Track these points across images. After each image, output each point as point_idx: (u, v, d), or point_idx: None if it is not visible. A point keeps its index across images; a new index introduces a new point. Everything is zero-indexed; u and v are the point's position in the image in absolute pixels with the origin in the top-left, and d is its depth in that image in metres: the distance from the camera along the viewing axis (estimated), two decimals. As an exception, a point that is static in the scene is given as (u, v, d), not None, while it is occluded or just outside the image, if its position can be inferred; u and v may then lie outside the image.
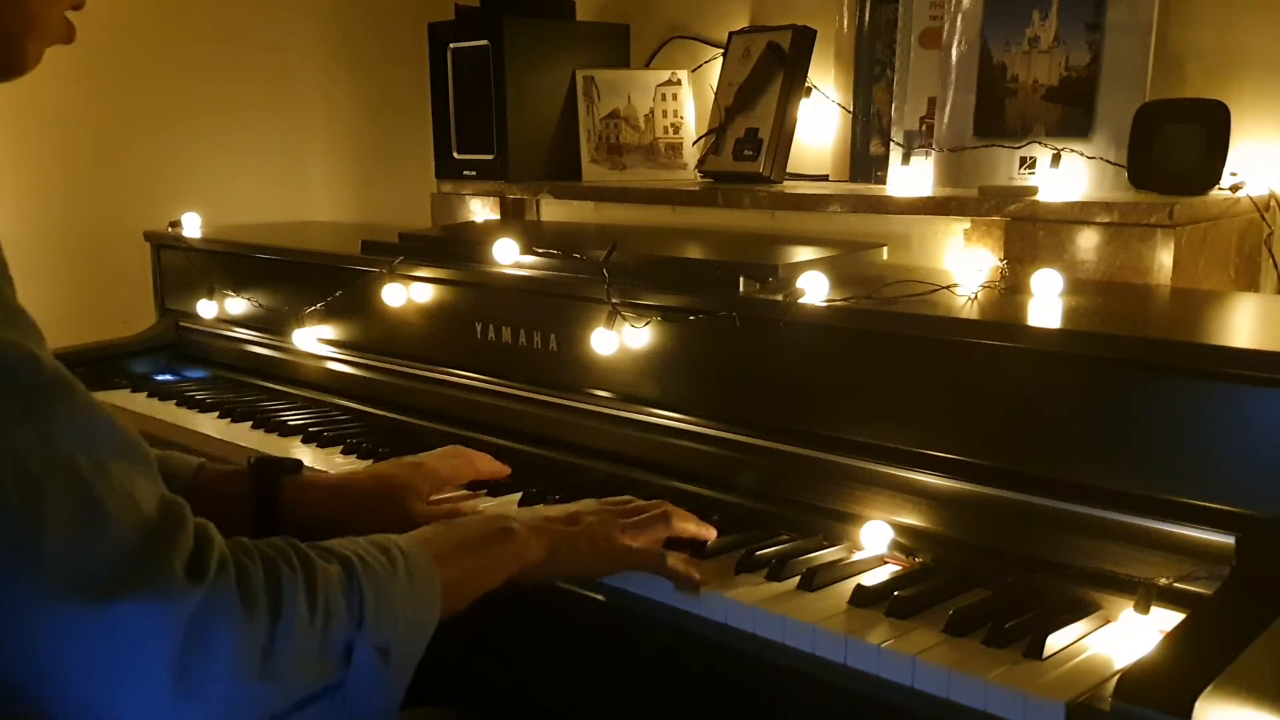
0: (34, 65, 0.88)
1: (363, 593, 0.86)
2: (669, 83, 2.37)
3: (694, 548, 1.19)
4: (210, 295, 2.10)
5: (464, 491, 1.37)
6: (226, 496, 1.20)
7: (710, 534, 1.20)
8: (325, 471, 1.39)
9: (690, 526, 1.19)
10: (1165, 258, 1.49)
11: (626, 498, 1.21)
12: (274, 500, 1.21)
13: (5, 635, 0.73)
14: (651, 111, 2.36)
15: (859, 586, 1.07)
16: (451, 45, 2.37)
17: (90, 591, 0.72)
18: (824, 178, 2.21)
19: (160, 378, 2.12)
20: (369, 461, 1.53)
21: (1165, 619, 0.97)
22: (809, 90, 2.13)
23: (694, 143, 2.32)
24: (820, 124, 2.22)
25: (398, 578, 0.90)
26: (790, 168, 2.12)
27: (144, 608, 0.74)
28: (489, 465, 1.38)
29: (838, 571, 1.12)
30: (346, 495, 1.25)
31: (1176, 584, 1.01)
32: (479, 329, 1.64)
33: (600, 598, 1.16)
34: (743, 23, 2.34)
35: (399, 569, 0.90)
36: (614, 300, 1.41)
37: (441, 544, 0.99)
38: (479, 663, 1.36)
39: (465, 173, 2.39)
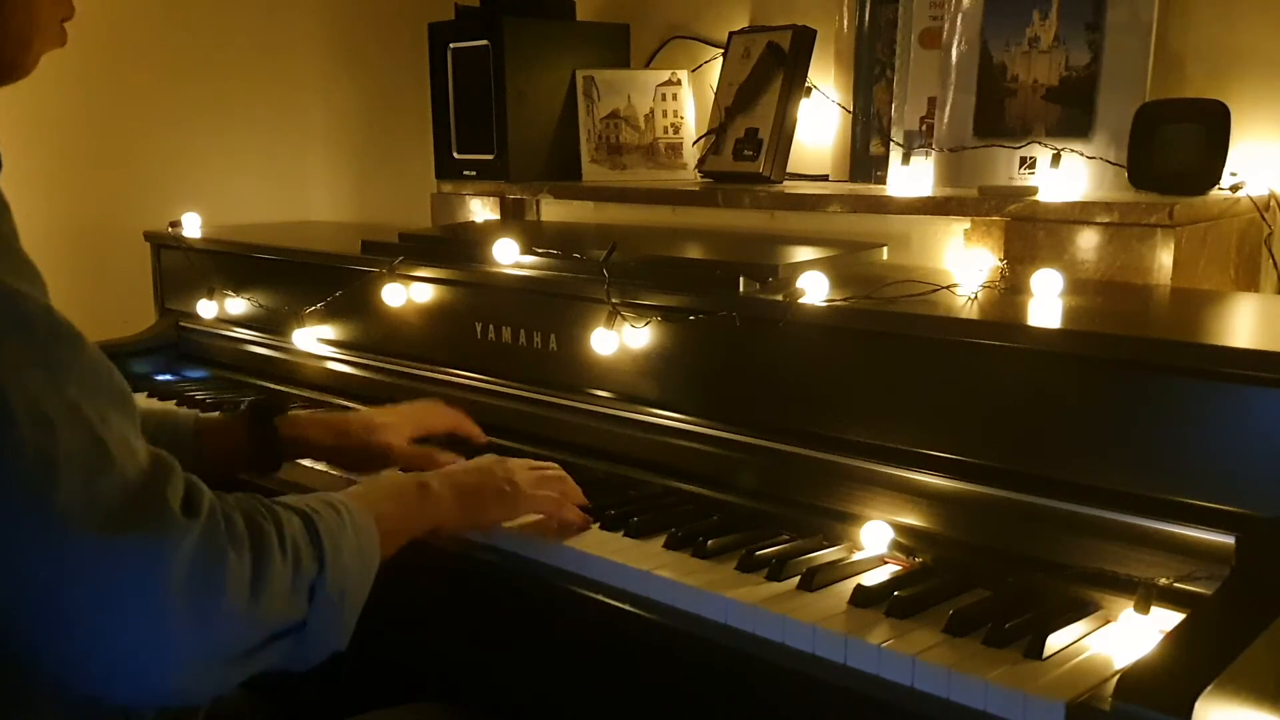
0: (33, 69, 0.94)
1: (321, 542, 0.93)
2: (669, 83, 2.37)
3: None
4: (210, 295, 2.10)
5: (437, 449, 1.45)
6: (229, 439, 1.37)
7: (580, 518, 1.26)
8: (308, 413, 1.50)
9: (579, 495, 1.28)
10: (1165, 258, 1.49)
11: (525, 460, 1.30)
12: (272, 438, 1.37)
13: (13, 571, 0.77)
14: (651, 111, 2.36)
15: (859, 586, 1.07)
16: (451, 45, 2.37)
17: (101, 524, 0.78)
18: (824, 178, 2.21)
19: (160, 378, 2.12)
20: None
21: (1165, 619, 0.97)
22: (809, 90, 2.13)
23: (694, 143, 2.32)
24: (820, 124, 2.22)
25: (346, 530, 0.98)
26: (790, 168, 2.12)
27: (150, 540, 0.79)
28: (468, 425, 1.51)
29: (838, 571, 1.12)
30: (334, 427, 1.40)
31: (1176, 584, 1.01)
32: (479, 329, 1.64)
33: (599, 597, 1.16)
34: (743, 23, 2.34)
35: (346, 523, 0.98)
36: (614, 300, 1.41)
37: (371, 500, 1.08)
38: (475, 659, 1.36)
39: (465, 173, 2.39)
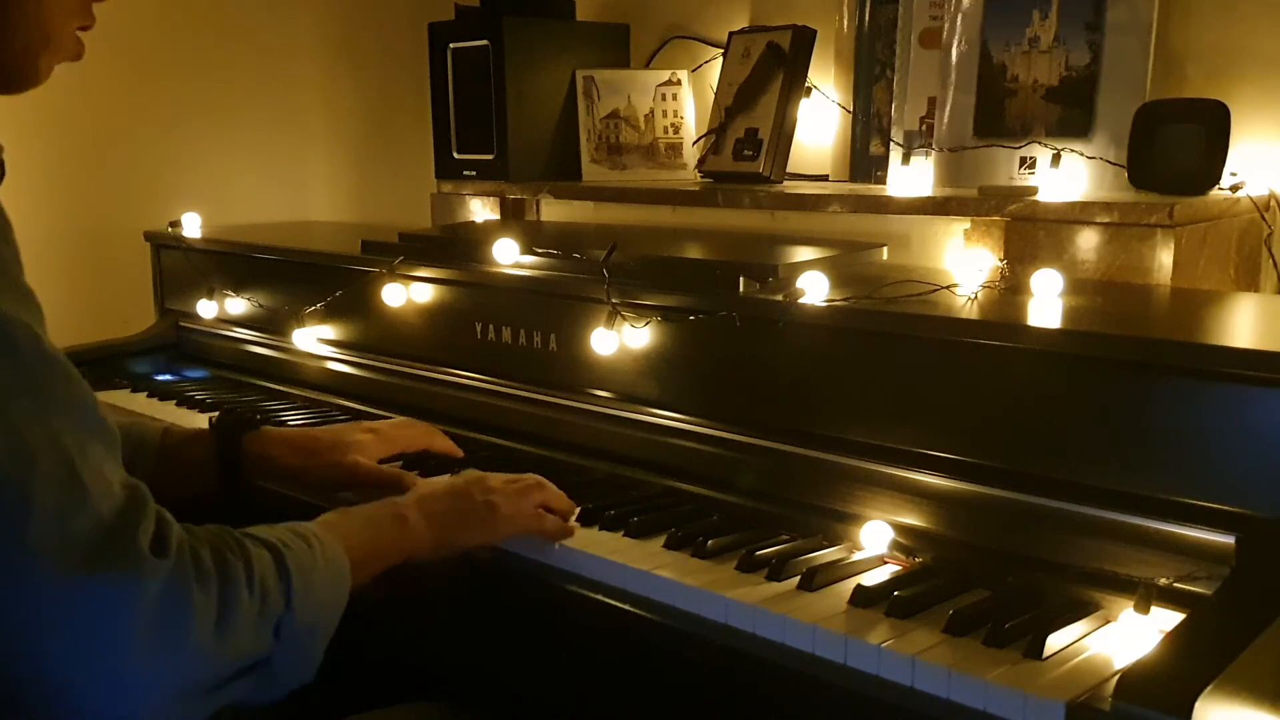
0: (44, 79, 0.93)
1: (290, 577, 0.93)
2: (669, 83, 2.37)
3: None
4: (210, 295, 2.10)
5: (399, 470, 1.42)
6: (193, 458, 1.33)
7: (572, 530, 1.25)
8: (283, 426, 1.48)
9: (561, 503, 1.26)
10: (1165, 258, 1.49)
11: (502, 475, 1.27)
12: (237, 457, 1.33)
13: None
14: (651, 111, 2.36)
15: (859, 586, 1.07)
16: (451, 45, 2.37)
17: (70, 563, 0.78)
18: (824, 178, 2.21)
19: (160, 378, 2.12)
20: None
21: (1165, 619, 0.97)
22: (809, 90, 2.13)
23: (694, 143, 2.32)
24: (820, 124, 2.22)
25: (317, 563, 0.98)
26: (790, 168, 2.12)
27: (116, 580, 0.80)
28: (443, 442, 1.49)
29: (838, 571, 1.12)
30: (302, 446, 1.37)
31: (1176, 584, 1.01)
32: (479, 329, 1.64)
33: (598, 596, 1.16)
34: (743, 23, 2.34)
35: (317, 555, 0.98)
36: (614, 300, 1.41)
37: (344, 529, 1.07)
38: (473, 659, 1.36)
39: (465, 173, 2.39)
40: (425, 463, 1.46)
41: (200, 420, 1.79)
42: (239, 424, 1.36)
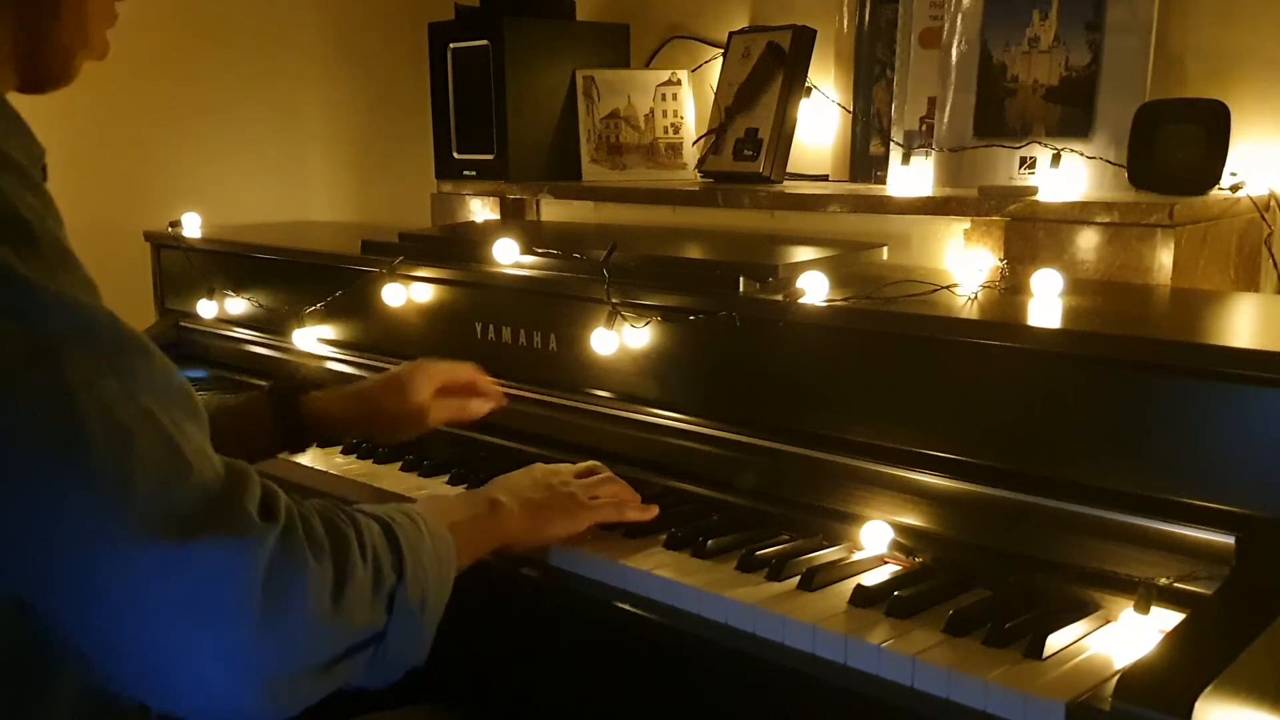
0: (75, 78, 0.93)
1: (401, 549, 0.92)
2: (669, 83, 2.37)
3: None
4: (210, 295, 2.10)
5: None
6: (253, 421, 1.34)
7: (653, 512, 1.26)
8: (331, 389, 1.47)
9: (632, 503, 1.28)
10: (1165, 258, 1.49)
11: (570, 465, 1.30)
12: (297, 419, 1.35)
13: (83, 585, 0.75)
14: (651, 111, 2.36)
15: (859, 586, 1.07)
16: (451, 45, 2.37)
17: (178, 531, 0.76)
18: (824, 178, 2.21)
19: (160, 378, 2.11)
20: (369, 461, 1.54)
21: (1165, 619, 0.97)
22: (809, 90, 2.13)
23: (694, 143, 2.32)
24: (820, 124, 2.22)
25: (424, 540, 0.96)
26: (790, 168, 2.12)
27: (228, 546, 0.77)
28: (484, 381, 1.49)
29: (838, 571, 1.12)
30: (362, 400, 1.40)
31: (1176, 584, 1.01)
32: (479, 329, 1.64)
33: (598, 596, 1.16)
34: (743, 23, 2.34)
35: (424, 532, 0.97)
36: (614, 300, 1.41)
37: (444, 513, 1.07)
38: (477, 661, 1.36)
39: (465, 173, 2.38)
40: (476, 454, 1.51)
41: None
42: (294, 389, 1.38)
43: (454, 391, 1.44)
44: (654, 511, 1.26)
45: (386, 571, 0.89)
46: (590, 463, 1.32)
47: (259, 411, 1.35)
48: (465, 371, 1.47)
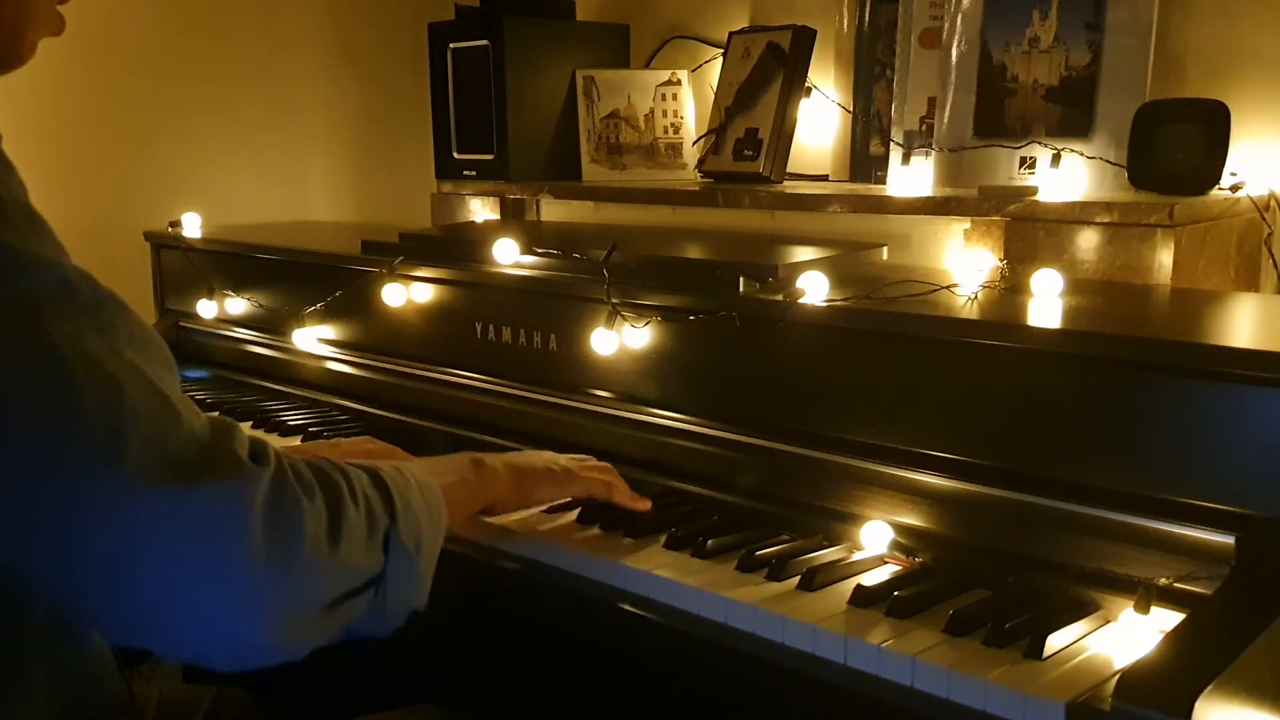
0: (29, 58, 0.92)
1: (391, 494, 0.92)
2: (669, 83, 2.37)
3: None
4: (210, 295, 2.10)
5: None
6: None
7: (645, 505, 1.27)
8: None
9: (622, 488, 1.28)
10: (1165, 258, 1.49)
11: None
12: None
13: (72, 540, 0.75)
14: (651, 111, 2.36)
15: (859, 586, 1.07)
16: (451, 45, 2.37)
17: (175, 478, 0.76)
18: (824, 178, 2.21)
19: (160, 378, 2.11)
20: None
21: (1165, 619, 0.97)
22: (809, 90, 2.13)
23: (694, 143, 2.32)
24: (820, 124, 2.22)
25: (412, 488, 0.97)
26: (790, 168, 2.12)
27: (225, 490, 0.78)
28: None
29: (838, 571, 1.12)
30: None
31: (1176, 584, 1.01)
32: (479, 329, 1.64)
33: (598, 597, 1.16)
34: (743, 23, 2.34)
35: (411, 482, 0.97)
36: (614, 300, 1.41)
37: (431, 470, 1.07)
38: (475, 661, 1.36)
39: (465, 173, 2.39)
40: None
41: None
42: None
43: None
44: (646, 504, 1.27)
45: (379, 514, 0.90)
46: (585, 456, 1.33)
47: None
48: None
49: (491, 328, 1.62)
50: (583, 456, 1.33)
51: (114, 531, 0.75)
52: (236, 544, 0.77)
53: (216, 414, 0.84)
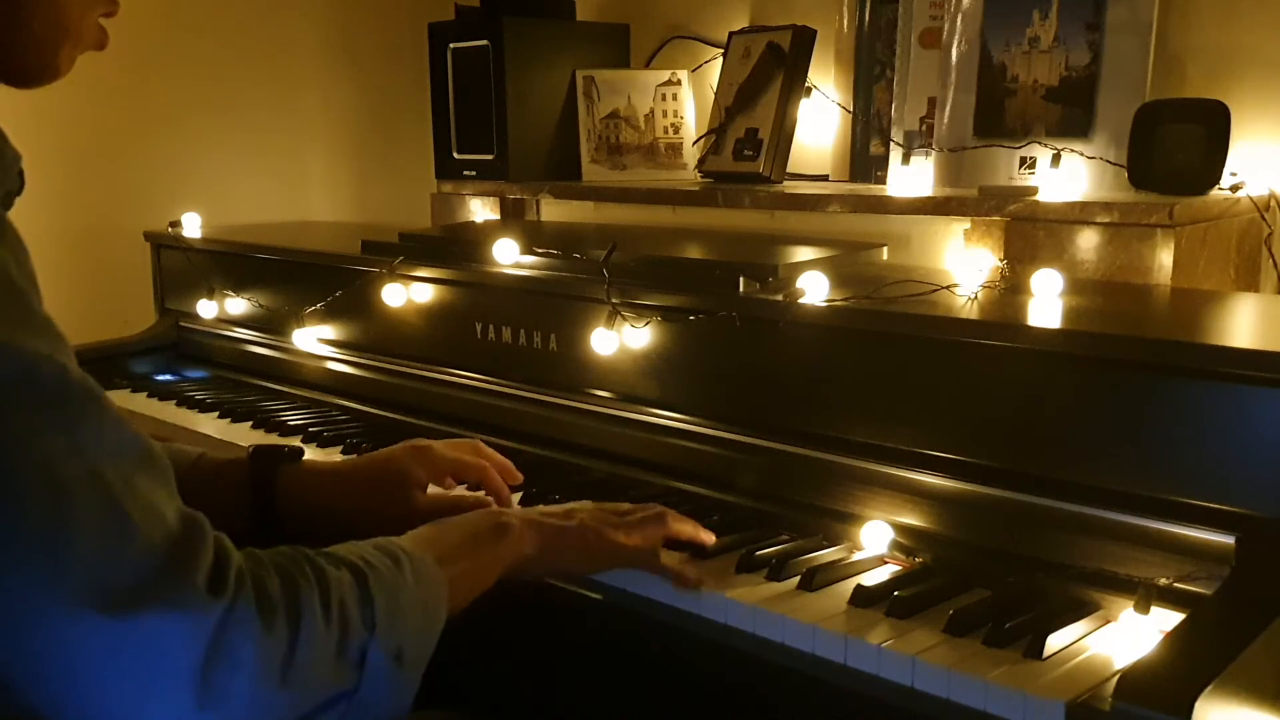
0: (66, 72, 0.88)
1: (374, 599, 0.86)
2: (669, 83, 2.37)
3: (694, 550, 1.18)
4: (210, 295, 2.10)
5: (465, 491, 1.34)
6: (225, 485, 1.20)
7: (709, 538, 1.19)
8: (323, 460, 1.37)
9: (687, 529, 1.18)
10: (1165, 258, 1.49)
11: (623, 504, 1.20)
12: (272, 488, 1.20)
13: (24, 648, 0.73)
14: (651, 111, 2.36)
15: (859, 586, 1.07)
16: (451, 45, 2.37)
17: (116, 603, 0.73)
18: (824, 178, 2.21)
19: (160, 378, 2.12)
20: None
21: (1165, 619, 0.97)
22: (809, 90, 2.13)
23: (694, 143, 2.32)
24: (820, 124, 2.22)
25: (405, 582, 0.90)
26: (790, 168, 2.12)
27: (168, 620, 0.74)
28: (497, 480, 1.31)
29: (838, 571, 1.12)
30: (344, 483, 1.23)
31: (1176, 584, 1.01)
32: (479, 329, 1.64)
33: (599, 597, 1.16)
34: (743, 23, 2.34)
35: (405, 572, 0.91)
36: (614, 300, 1.41)
37: (441, 544, 0.99)
38: (481, 664, 1.36)
39: (465, 173, 2.39)
40: None
41: (201, 421, 1.80)
42: (276, 454, 1.23)
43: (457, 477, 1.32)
44: (697, 580, 1.12)
45: (355, 627, 0.84)
46: (650, 506, 1.18)
47: (235, 472, 1.21)
48: (469, 455, 1.30)
49: (491, 328, 1.62)
50: (637, 507, 1.18)
51: (55, 646, 0.73)
52: (175, 678, 0.74)
53: (192, 515, 0.80)
